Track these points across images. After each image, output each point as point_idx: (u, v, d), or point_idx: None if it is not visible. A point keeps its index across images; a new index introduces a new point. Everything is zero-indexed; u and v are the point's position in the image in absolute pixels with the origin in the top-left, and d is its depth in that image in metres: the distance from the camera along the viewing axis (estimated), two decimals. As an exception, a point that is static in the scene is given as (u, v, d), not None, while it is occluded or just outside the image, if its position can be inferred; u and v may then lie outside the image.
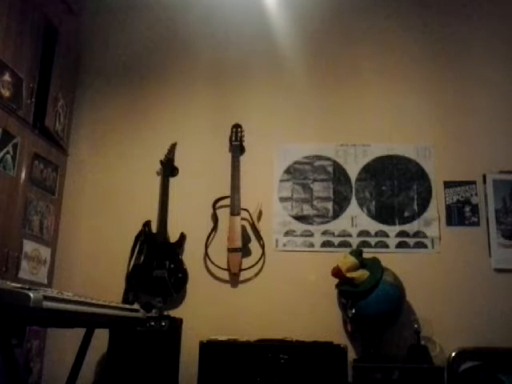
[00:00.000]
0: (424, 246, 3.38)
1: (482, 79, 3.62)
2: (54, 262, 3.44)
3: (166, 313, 3.30)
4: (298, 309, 3.33)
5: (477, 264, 3.31)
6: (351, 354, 3.12)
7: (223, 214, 3.52)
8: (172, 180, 3.60)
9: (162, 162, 3.64)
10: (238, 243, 3.42)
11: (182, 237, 3.48)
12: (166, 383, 3.02)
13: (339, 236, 3.45)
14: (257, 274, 3.44)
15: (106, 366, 3.10)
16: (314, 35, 3.80)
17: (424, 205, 3.45)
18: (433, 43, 3.71)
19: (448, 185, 3.47)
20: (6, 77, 2.97)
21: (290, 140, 3.65)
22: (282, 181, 3.58)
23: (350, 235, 3.44)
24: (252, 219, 3.49)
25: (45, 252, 3.32)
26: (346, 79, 3.72)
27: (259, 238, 3.49)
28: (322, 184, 3.55)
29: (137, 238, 3.47)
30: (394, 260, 3.25)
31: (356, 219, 3.47)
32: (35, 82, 3.23)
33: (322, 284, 3.27)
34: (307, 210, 3.52)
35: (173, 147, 3.68)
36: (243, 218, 3.48)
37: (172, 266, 3.37)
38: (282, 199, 3.55)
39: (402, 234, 3.42)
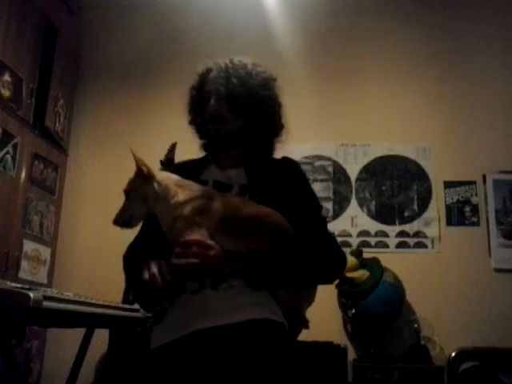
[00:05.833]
0: (424, 245, 3.38)
1: (482, 79, 3.62)
2: (54, 262, 3.43)
3: (165, 313, 3.29)
4: (298, 309, 3.32)
5: (477, 264, 3.31)
6: (351, 354, 3.12)
7: (223, 213, 3.51)
8: (172, 180, 3.60)
9: (161, 161, 3.63)
10: (238, 243, 3.41)
11: (182, 237, 3.46)
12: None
13: (339, 236, 3.44)
14: (257, 274, 3.43)
15: (105, 366, 3.09)
16: (315, 35, 3.79)
17: (424, 205, 3.45)
18: (433, 43, 3.70)
19: (448, 185, 3.47)
20: (6, 77, 2.97)
21: (290, 140, 3.62)
22: (282, 181, 3.57)
23: (349, 235, 3.44)
24: (252, 219, 3.47)
25: (45, 252, 3.32)
26: (346, 79, 3.72)
27: (259, 237, 3.47)
28: (322, 184, 3.55)
29: (137, 238, 3.46)
30: (394, 260, 3.25)
31: (356, 219, 3.47)
32: (35, 82, 3.23)
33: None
34: (307, 209, 3.51)
35: (173, 147, 3.67)
36: (243, 218, 3.47)
37: (172, 265, 3.36)
38: (282, 199, 3.54)
39: (402, 233, 3.41)
